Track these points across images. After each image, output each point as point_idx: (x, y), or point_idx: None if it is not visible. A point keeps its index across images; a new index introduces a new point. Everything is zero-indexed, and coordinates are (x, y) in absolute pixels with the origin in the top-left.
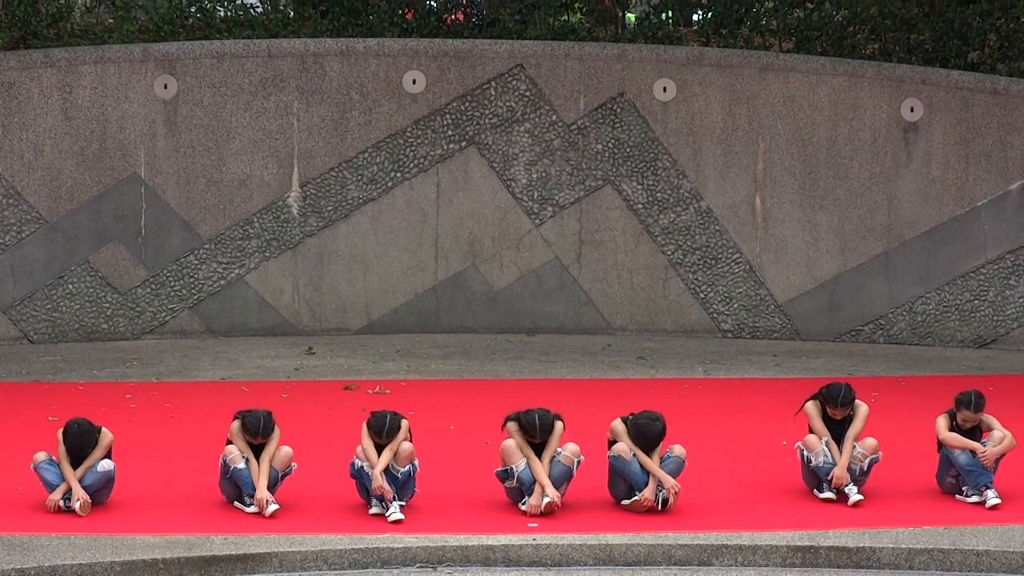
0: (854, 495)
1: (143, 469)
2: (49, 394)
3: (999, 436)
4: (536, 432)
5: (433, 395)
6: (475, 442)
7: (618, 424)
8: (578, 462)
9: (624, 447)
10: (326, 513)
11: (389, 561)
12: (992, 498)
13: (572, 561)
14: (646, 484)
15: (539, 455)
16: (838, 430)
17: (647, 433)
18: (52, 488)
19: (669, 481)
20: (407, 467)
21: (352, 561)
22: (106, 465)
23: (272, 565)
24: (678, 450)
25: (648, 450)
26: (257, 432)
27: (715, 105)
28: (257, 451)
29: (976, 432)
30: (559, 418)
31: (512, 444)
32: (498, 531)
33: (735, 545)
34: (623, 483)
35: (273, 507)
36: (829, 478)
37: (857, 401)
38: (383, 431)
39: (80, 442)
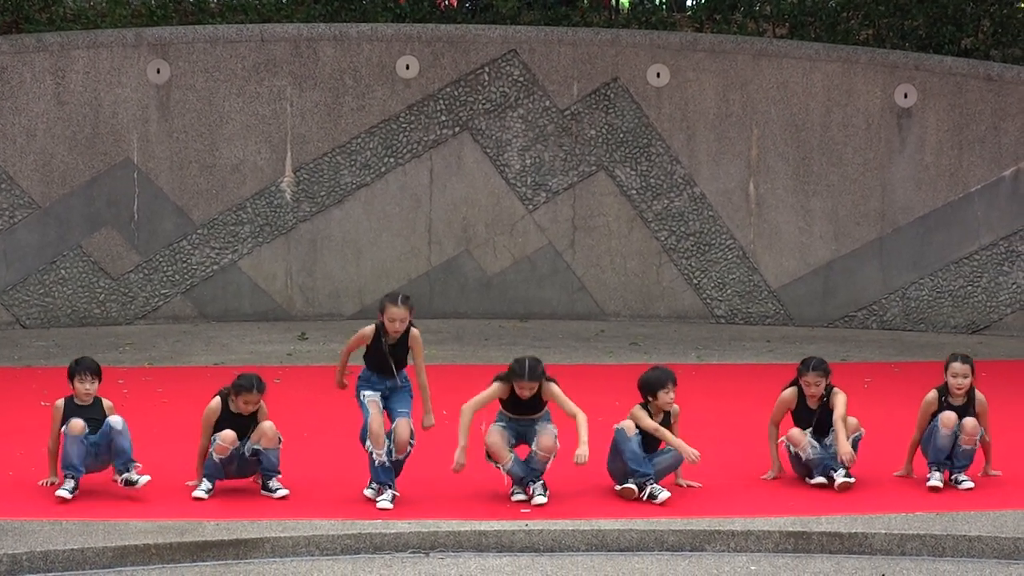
0: (841, 477)
1: (135, 454)
2: (41, 379)
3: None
4: (525, 373)
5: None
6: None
7: (637, 409)
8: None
9: (631, 424)
10: (318, 499)
11: (381, 547)
12: (935, 481)
13: (565, 547)
14: (634, 471)
15: (527, 432)
16: (813, 418)
17: (654, 379)
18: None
19: (688, 451)
20: (407, 449)
21: (344, 547)
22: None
23: (264, 550)
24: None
25: (660, 390)
26: (252, 387)
27: (708, 91)
28: (242, 426)
29: (970, 406)
30: (551, 380)
31: (498, 442)
32: (491, 517)
33: (727, 531)
34: (622, 462)
35: (283, 492)
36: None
37: (835, 388)
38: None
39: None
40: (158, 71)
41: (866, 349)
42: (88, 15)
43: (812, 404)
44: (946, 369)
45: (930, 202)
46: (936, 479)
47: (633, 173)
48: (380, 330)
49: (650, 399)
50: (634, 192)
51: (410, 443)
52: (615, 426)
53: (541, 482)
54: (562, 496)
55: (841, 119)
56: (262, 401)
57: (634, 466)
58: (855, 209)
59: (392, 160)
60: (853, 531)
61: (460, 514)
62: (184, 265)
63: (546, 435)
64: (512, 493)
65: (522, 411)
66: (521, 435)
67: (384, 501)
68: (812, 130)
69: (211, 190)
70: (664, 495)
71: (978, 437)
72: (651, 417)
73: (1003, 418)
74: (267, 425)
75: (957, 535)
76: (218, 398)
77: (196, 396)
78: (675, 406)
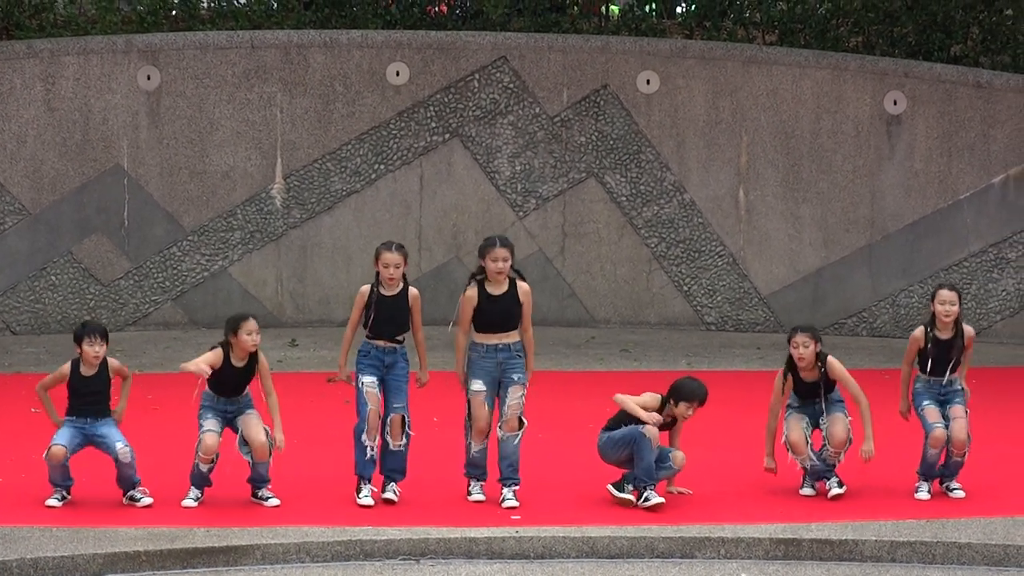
0: (835, 488)
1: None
2: (31, 386)
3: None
4: (496, 241)
5: (416, 387)
6: (458, 434)
7: (657, 399)
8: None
9: (656, 435)
10: (309, 505)
11: (372, 553)
12: (923, 494)
13: (555, 554)
14: (642, 481)
15: (502, 375)
16: (815, 390)
17: (687, 390)
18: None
19: (649, 417)
20: (404, 439)
21: (335, 553)
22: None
23: (255, 557)
24: (679, 460)
25: (683, 402)
26: (247, 315)
27: (698, 98)
28: (241, 380)
29: (958, 338)
30: (521, 278)
31: (485, 417)
32: (481, 523)
33: (718, 538)
34: (625, 454)
35: (274, 501)
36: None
37: (829, 357)
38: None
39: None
40: (148, 78)
41: (856, 356)
42: (78, 22)
43: (807, 375)
44: (933, 299)
45: (919, 209)
46: (924, 491)
47: (623, 180)
48: (376, 284)
49: (671, 403)
50: (624, 199)
51: (405, 434)
52: (641, 429)
53: (512, 487)
54: (552, 503)
55: (831, 126)
56: (262, 356)
57: (644, 477)
58: (844, 216)
59: (382, 167)
60: (843, 538)
61: (451, 521)
62: (174, 272)
63: (511, 410)
64: (470, 491)
65: (496, 325)
66: (497, 380)
67: (365, 497)
68: (802, 137)
69: (201, 197)
70: (656, 500)
71: (966, 450)
72: (661, 412)
73: (993, 425)
74: (259, 441)
75: (947, 542)
76: (219, 349)
77: (186, 403)
78: (680, 444)
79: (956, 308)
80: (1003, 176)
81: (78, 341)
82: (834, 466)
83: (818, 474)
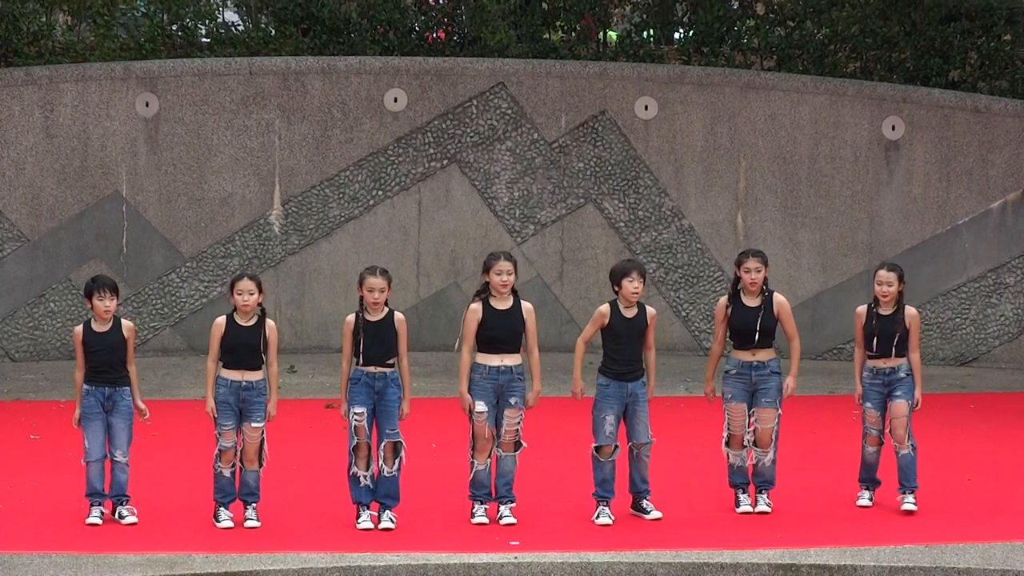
0: (763, 504)
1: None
2: (30, 413)
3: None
4: (500, 255)
5: (415, 413)
6: (456, 460)
7: (605, 307)
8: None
9: (609, 452)
10: (308, 530)
11: None
12: (864, 500)
13: None
14: (599, 494)
15: (502, 392)
16: (756, 319)
17: (619, 267)
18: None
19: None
20: (396, 464)
21: None
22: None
23: None
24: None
25: (624, 279)
26: (243, 275)
27: (696, 123)
28: (251, 341)
29: (899, 315)
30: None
31: (484, 434)
32: (480, 549)
33: (716, 563)
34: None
35: (252, 523)
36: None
37: (774, 292)
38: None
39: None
40: (147, 104)
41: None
42: (77, 48)
43: (751, 300)
44: (874, 278)
45: (918, 234)
46: (866, 498)
47: (621, 205)
48: (360, 311)
49: (617, 289)
50: (622, 224)
51: (396, 460)
52: (593, 447)
53: (508, 504)
54: (550, 527)
55: (829, 151)
56: (269, 321)
57: (601, 491)
58: (843, 241)
59: (380, 193)
60: (842, 563)
61: (450, 546)
62: (173, 298)
63: (508, 435)
64: (474, 514)
65: (500, 341)
66: (496, 397)
67: (364, 522)
68: (800, 162)
69: (200, 223)
70: (604, 520)
71: (909, 446)
72: (621, 310)
73: (991, 450)
74: (252, 447)
75: (946, 567)
76: (223, 316)
77: (185, 429)
78: (651, 308)
79: (893, 289)
80: (1001, 201)
81: (88, 297)
82: (769, 475)
83: (743, 478)
